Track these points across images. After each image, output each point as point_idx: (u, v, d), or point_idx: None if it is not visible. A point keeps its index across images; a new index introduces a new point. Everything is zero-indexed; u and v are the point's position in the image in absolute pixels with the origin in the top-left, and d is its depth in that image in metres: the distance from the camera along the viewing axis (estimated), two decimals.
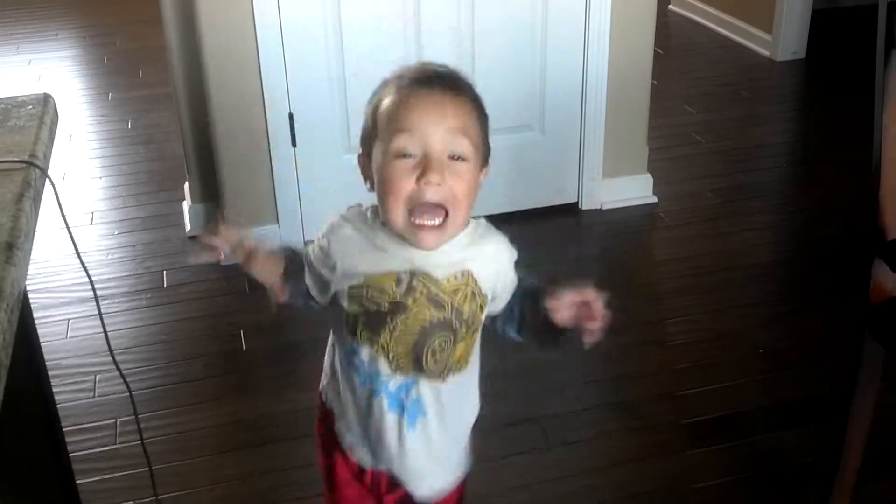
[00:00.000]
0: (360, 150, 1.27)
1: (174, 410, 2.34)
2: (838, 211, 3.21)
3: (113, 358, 1.59)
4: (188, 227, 3.13)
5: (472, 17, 2.89)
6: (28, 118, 1.39)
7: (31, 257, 1.17)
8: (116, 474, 2.13)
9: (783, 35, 4.54)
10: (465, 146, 1.18)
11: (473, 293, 1.27)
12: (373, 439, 1.35)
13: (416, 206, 1.17)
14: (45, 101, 1.44)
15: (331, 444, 1.44)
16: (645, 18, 3.07)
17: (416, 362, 1.28)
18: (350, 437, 1.39)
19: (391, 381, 1.29)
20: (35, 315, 1.58)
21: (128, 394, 1.73)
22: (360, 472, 1.42)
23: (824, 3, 4.87)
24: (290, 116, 2.85)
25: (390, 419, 1.31)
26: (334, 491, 1.46)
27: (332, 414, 1.41)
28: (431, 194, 1.17)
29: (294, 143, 2.88)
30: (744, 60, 4.63)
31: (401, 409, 1.30)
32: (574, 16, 2.98)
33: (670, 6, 5.28)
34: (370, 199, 1.26)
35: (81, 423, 2.28)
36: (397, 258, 1.24)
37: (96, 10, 5.69)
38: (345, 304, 1.27)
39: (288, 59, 2.78)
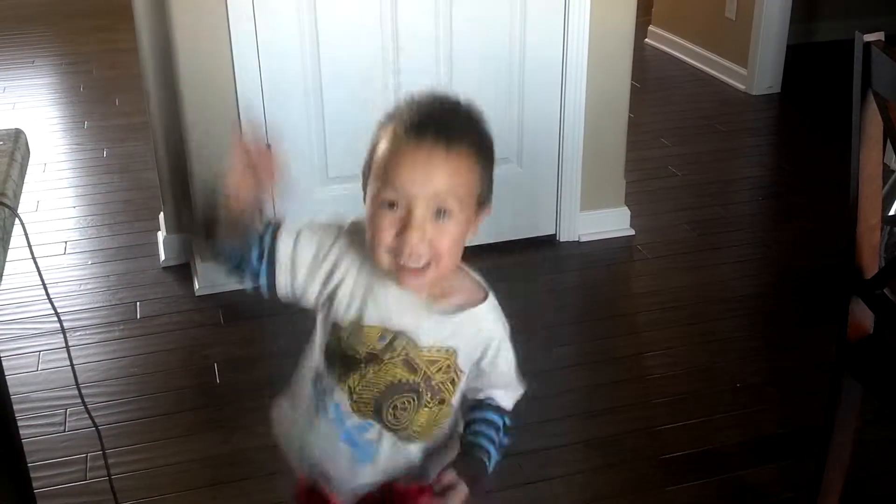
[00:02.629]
0: (362, 180, 1.25)
1: (146, 445, 2.30)
2: (814, 244, 3.23)
3: (80, 393, 1.57)
4: (162, 257, 3.10)
5: (450, 50, 2.89)
6: None
7: (2, 287, 1.15)
8: None
9: (759, 69, 4.58)
10: (450, 203, 1.17)
11: (449, 367, 1.27)
12: (316, 454, 1.35)
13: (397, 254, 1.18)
14: (17, 136, 1.43)
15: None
16: (622, 52, 3.08)
17: (377, 413, 1.28)
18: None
19: (350, 420, 1.30)
20: (5, 347, 1.56)
21: (95, 429, 1.70)
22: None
23: (799, 37, 4.93)
24: (268, 148, 2.82)
25: (340, 449, 1.32)
26: None
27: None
28: (410, 251, 1.16)
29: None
30: (720, 94, 4.67)
31: (353, 445, 1.31)
32: (551, 49, 2.99)
33: (646, 39, 5.33)
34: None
35: (51, 458, 2.24)
36: (390, 303, 1.23)
37: (73, 38, 5.67)
38: (322, 333, 1.28)
39: (265, 90, 2.77)
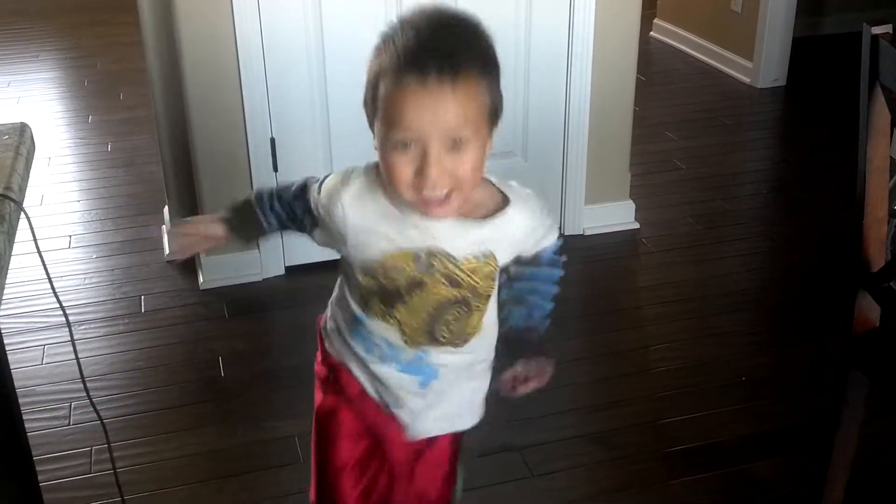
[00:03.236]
0: (364, 98, 1.23)
1: (150, 439, 2.30)
2: (819, 238, 3.22)
3: (85, 387, 1.57)
4: (167, 251, 3.10)
5: None
6: (4, 148, 1.36)
7: (7, 281, 1.15)
8: None
9: (764, 62, 4.57)
10: (465, 132, 1.16)
11: (491, 271, 1.28)
12: (380, 392, 1.37)
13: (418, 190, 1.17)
14: (22, 130, 1.42)
15: (331, 384, 1.44)
16: (627, 46, 3.08)
17: (430, 335, 1.29)
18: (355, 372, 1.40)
19: (403, 353, 1.31)
20: (10, 341, 1.56)
21: (101, 422, 1.70)
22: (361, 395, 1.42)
23: (805, 30, 4.92)
24: (272, 141, 2.83)
25: (401, 382, 1.33)
26: (331, 422, 1.46)
27: (334, 359, 1.42)
28: (432, 186, 1.15)
29: (275, 168, 2.86)
30: (725, 87, 4.66)
31: (412, 374, 1.33)
32: (557, 43, 2.98)
33: (651, 33, 5.31)
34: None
35: (56, 452, 2.24)
36: (416, 229, 1.23)
37: (77, 32, 5.67)
38: (358, 276, 1.28)
39: (270, 83, 2.76)
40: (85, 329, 2.71)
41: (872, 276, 1.70)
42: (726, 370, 2.55)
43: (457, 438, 1.48)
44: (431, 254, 1.23)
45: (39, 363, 2.56)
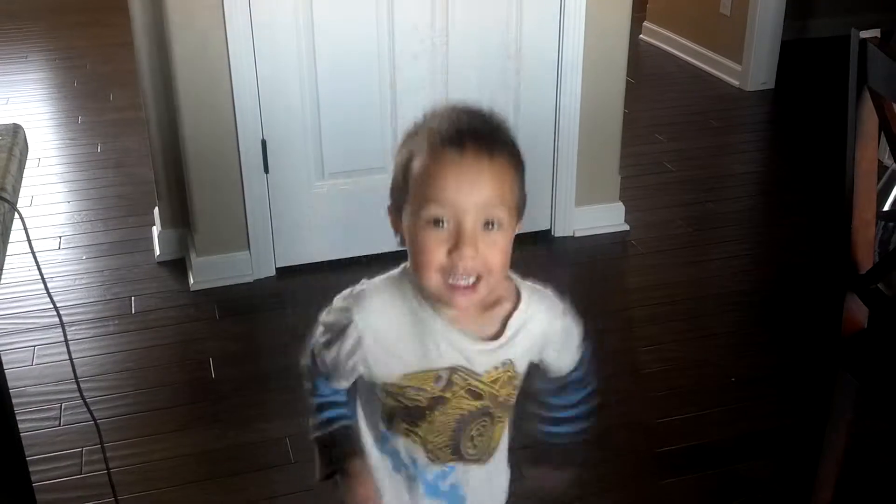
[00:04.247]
0: (390, 202, 1.20)
1: (141, 440, 2.30)
2: (808, 240, 3.24)
3: (79, 387, 1.57)
4: (157, 251, 3.09)
5: (446, 46, 2.89)
6: None
7: None
8: None
9: (753, 65, 4.59)
10: (500, 214, 1.12)
11: (511, 377, 1.25)
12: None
13: (449, 275, 1.13)
14: (15, 132, 1.42)
15: None
16: (617, 48, 3.09)
17: (455, 451, 1.27)
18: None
19: (428, 470, 1.29)
20: (0, 342, 1.55)
21: (94, 422, 1.70)
22: None
23: (793, 33, 4.94)
24: (263, 142, 2.83)
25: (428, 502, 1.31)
26: None
27: None
28: (464, 268, 1.11)
29: (266, 170, 2.86)
30: (714, 90, 4.68)
31: (439, 495, 1.30)
32: (547, 46, 2.99)
33: (641, 36, 5.33)
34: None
35: (46, 452, 2.24)
36: (437, 347, 1.19)
37: (67, 32, 5.66)
38: (378, 395, 1.25)
39: (261, 84, 2.76)
40: (75, 330, 2.71)
41: (861, 278, 1.71)
42: (716, 371, 2.57)
43: None
44: (453, 371, 1.21)
45: (30, 364, 2.55)
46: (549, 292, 1.28)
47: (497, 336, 1.21)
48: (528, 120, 3.06)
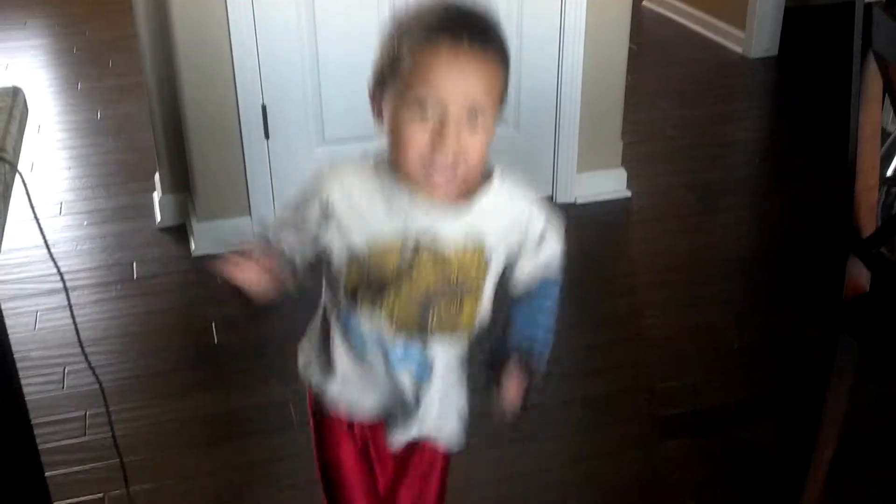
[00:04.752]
0: (372, 84, 1.22)
1: (144, 403, 2.31)
2: (811, 207, 3.23)
3: (83, 350, 1.57)
4: (158, 217, 3.09)
5: None
6: None
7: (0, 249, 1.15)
8: (86, 466, 2.10)
9: (756, 32, 4.56)
10: (485, 103, 1.16)
11: (481, 261, 1.26)
12: (377, 391, 1.35)
13: (429, 161, 1.16)
14: (15, 94, 1.41)
15: (329, 425, 1.43)
16: (620, 15, 3.07)
17: (421, 327, 1.28)
18: (344, 392, 1.38)
19: (395, 345, 1.30)
20: (2, 306, 1.55)
21: (97, 386, 1.70)
22: (350, 429, 1.41)
23: (797, 0, 4.90)
24: (263, 108, 2.82)
25: (398, 377, 1.32)
26: (339, 470, 1.44)
27: (320, 393, 1.40)
28: (444, 157, 1.15)
29: (267, 135, 2.85)
30: (717, 57, 4.65)
31: (407, 368, 1.31)
32: (549, 12, 2.97)
33: (644, 2, 5.29)
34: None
35: (50, 416, 2.25)
36: (405, 215, 1.21)
37: None
38: (343, 270, 1.26)
39: (261, 49, 2.75)
40: (77, 295, 2.71)
41: (863, 242, 1.71)
42: (719, 337, 2.57)
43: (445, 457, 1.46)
44: (418, 241, 1.22)
45: (32, 329, 2.56)
46: (524, 183, 1.30)
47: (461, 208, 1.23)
48: (530, 85, 3.04)
